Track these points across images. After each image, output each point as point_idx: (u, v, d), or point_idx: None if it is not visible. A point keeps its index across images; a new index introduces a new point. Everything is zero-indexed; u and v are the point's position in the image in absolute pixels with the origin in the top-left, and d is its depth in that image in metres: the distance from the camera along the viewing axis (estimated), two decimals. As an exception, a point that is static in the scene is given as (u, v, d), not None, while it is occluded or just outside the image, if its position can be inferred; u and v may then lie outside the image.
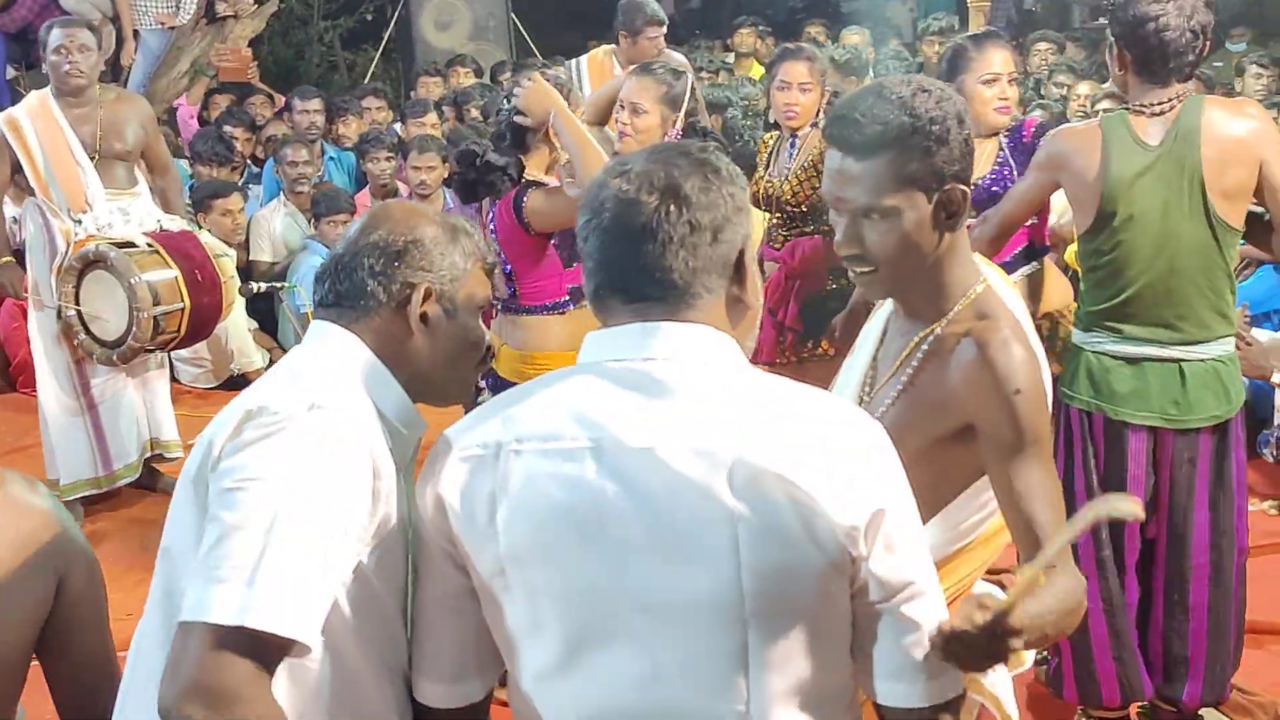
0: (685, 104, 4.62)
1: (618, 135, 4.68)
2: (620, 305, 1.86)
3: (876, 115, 2.19)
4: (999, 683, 2.51)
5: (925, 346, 2.33)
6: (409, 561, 2.00)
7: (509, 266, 4.14)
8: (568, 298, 4.25)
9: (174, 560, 1.96)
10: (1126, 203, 3.60)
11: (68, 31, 5.76)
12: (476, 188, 4.23)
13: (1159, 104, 3.61)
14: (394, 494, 1.96)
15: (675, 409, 1.79)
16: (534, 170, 4.19)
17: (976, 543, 2.38)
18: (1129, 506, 1.72)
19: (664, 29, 6.85)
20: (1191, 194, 3.57)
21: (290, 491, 1.83)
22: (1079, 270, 3.88)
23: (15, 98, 9.59)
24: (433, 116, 8.83)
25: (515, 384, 4.13)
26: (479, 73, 10.15)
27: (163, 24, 9.70)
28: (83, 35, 5.79)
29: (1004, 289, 2.43)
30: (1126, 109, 3.70)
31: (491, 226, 4.16)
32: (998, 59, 4.39)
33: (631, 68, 4.92)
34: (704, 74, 9.42)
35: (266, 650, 1.77)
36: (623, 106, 4.61)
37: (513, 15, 11.66)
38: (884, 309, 2.53)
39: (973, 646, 1.77)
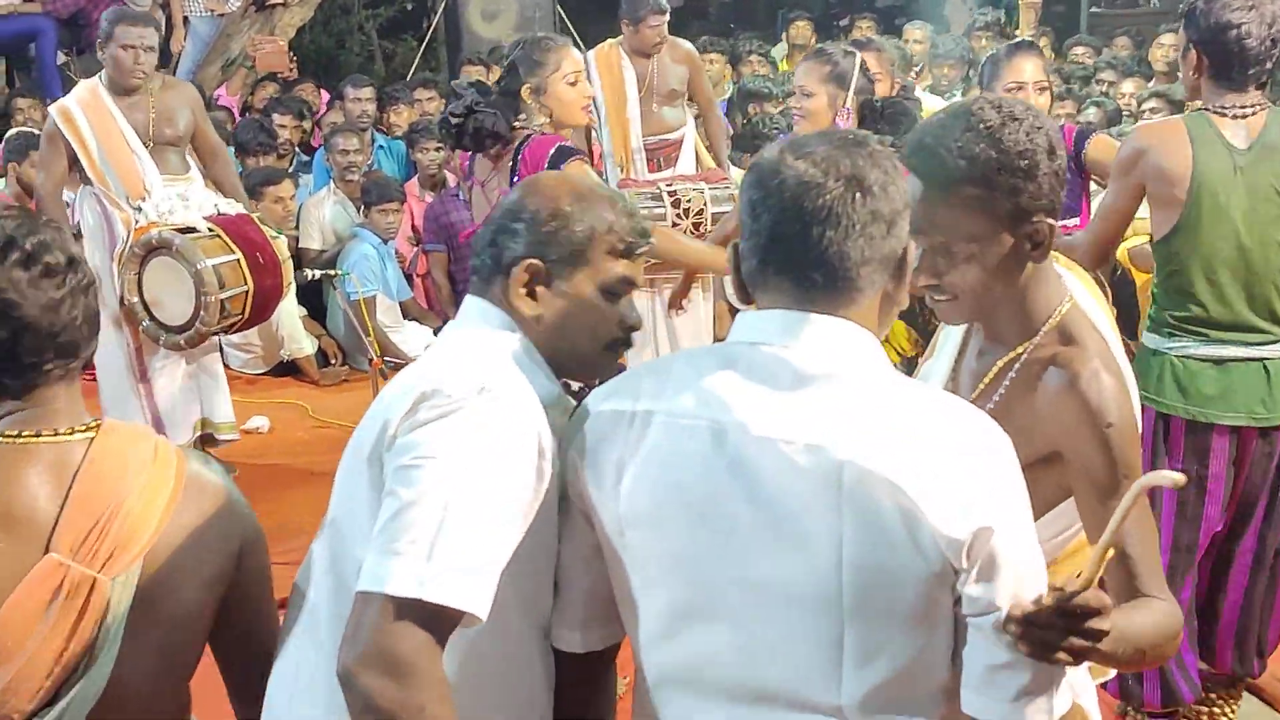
0: (854, 82, 4.58)
1: (790, 122, 4.82)
2: (783, 285, 1.87)
3: (963, 149, 2.12)
4: (1080, 687, 2.50)
5: (1012, 373, 2.29)
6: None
7: None
8: None
9: (341, 531, 2.03)
10: (1214, 204, 3.58)
11: (139, 31, 5.79)
12: (462, 137, 4.21)
13: (1241, 108, 3.61)
14: (558, 470, 2.01)
15: (802, 401, 1.81)
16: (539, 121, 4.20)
17: (1054, 566, 2.33)
18: (1174, 476, 1.70)
19: (666, 17, 6.88)
20: (1270, 201, 3.58)
21: (465, 470, 1.88)
22: (1133, 270, 3.86)
23: (66, 82, 9.69)
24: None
25: None
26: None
27: (212, 11, 9.77)
28: (150, 35, 5.85)
29: (1089, 302, 2.39)
30: (1206, 110, 3.66)
31: (513, 179, 4.10)
32: (1028, 68, 4.51)
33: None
34: (753, 57, 9.43)
35: (441, 622, 1.83)
36: (792, 93, 4.72)
37: (558, 6, 11.67)
38: None
39: (1049, 628, 1.74)
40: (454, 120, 4.17)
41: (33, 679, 1.89)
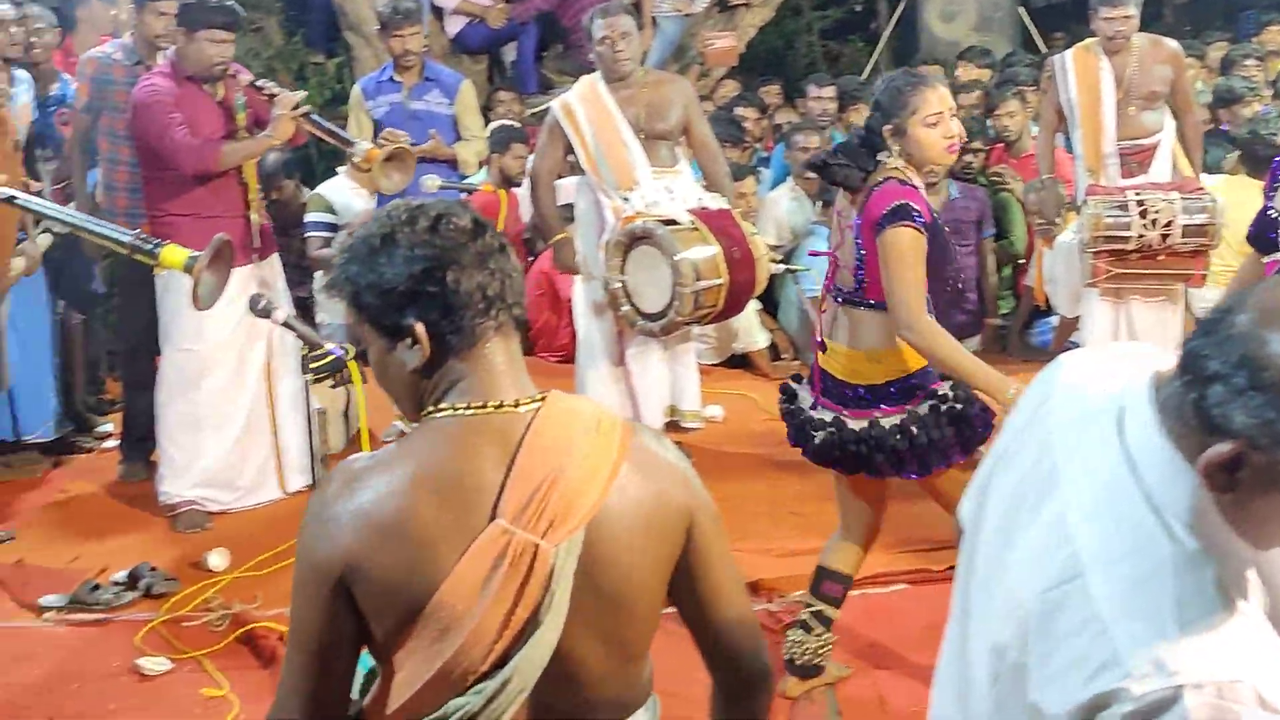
0: None
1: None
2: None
3: None
4: None
5: None
6: None
7: (862, 253, 4.04)
8: None
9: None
10: None
11: (608, 21, 6.03)
12: (826, 177, 4.20)
13: None
14: None
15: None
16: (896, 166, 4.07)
17: None
18: None
19: (1124, 10, 6.48)
20: None
21: None
22: None
23: (541, 79, 10.23)
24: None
25: (847, 383, 4.07)
26: (992, 66, 10.02)
27: (679, 11, 10.04)
28: (623, 23, 6.06)
29: None
30: None
31: (856, 218, 4.05)
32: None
33: None
34: (1249, 61, 8.93)
35: None
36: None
37: (1020, 6, 11.44)
38: None
39: None
40: (817, 166, 4.23)
41: (482, 641, 1.95)
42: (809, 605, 4.36)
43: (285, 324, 3.48)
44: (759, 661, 2.28)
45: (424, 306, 2.01)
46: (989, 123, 8.73)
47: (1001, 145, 8.70)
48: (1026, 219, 8.20)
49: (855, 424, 4.05)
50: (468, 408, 2.02)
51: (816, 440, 4.14)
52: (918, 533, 5.25)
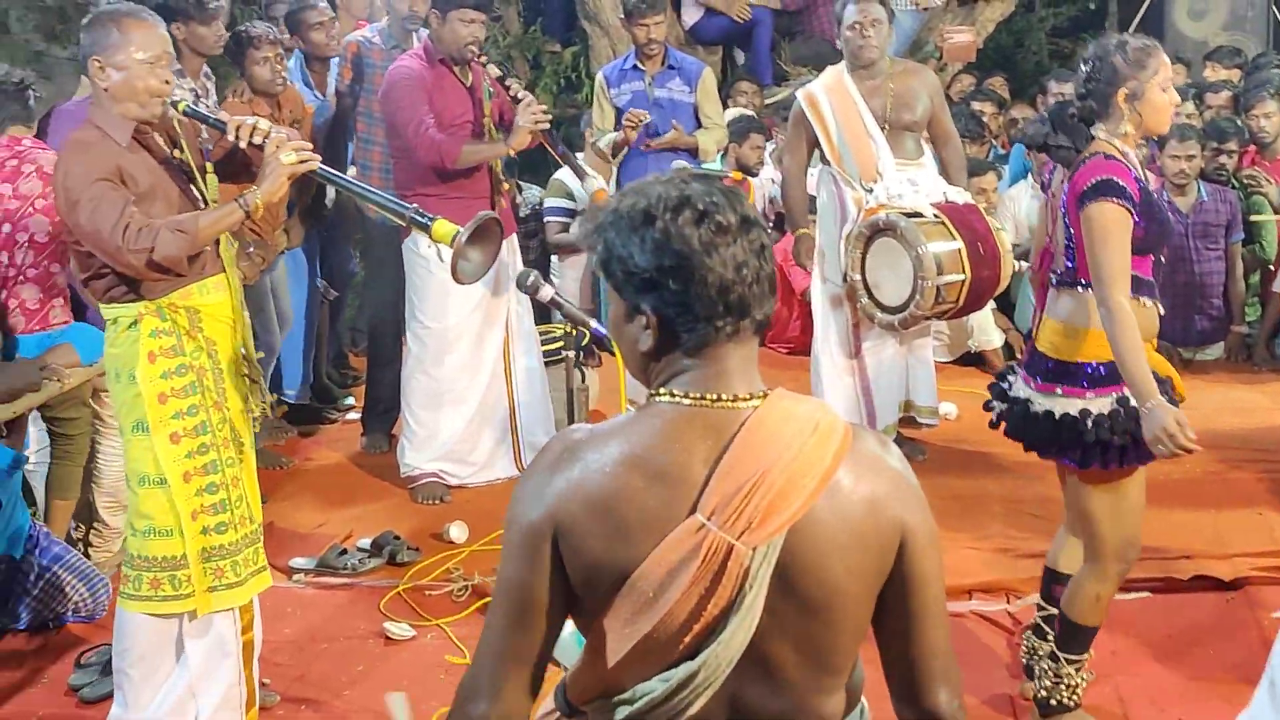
0: None
1: None
2: None
3: None
4: None
5: None
6: None
7: (1070, 231, 3.88)
8: None
9: None
10: None
11: (861, 8, 5.99)
12: (1047, 150, 4.07)
13: None
14: None
15: None
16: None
17: None
18: None
19: None
20: None
21: None
22: None
23: (775, 69, 10.22)
24: (1189, 106, 8.53)
25: (1045, 355, 3.92)
26: (1241, 66, 9.68)
27: (917, 5, 9.93)
28: (874, 10, 6.01)
29: None
30: None
31: (1064, 194, 3.92)
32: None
33: None
34: None
35: None
36: None
37: (1274, 6, 11.03)
38: None
39: None
40: (1040, 146, 4.12)
41: (670, 631, 1.94)
42: (1040, 609, 4.29)
43: (551, 302, 3.53)
44: (951, 703, 2.12)
45: (662, 298, 1.98)
46: (1241, 123, 8.44)
47: (1255, 148, 8.40)
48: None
49: (1039, 398, 3.94)
50: (686, 397, 2.00)
51: (1006, 412, 4.08)
52: (1163, 540, 5.14)
